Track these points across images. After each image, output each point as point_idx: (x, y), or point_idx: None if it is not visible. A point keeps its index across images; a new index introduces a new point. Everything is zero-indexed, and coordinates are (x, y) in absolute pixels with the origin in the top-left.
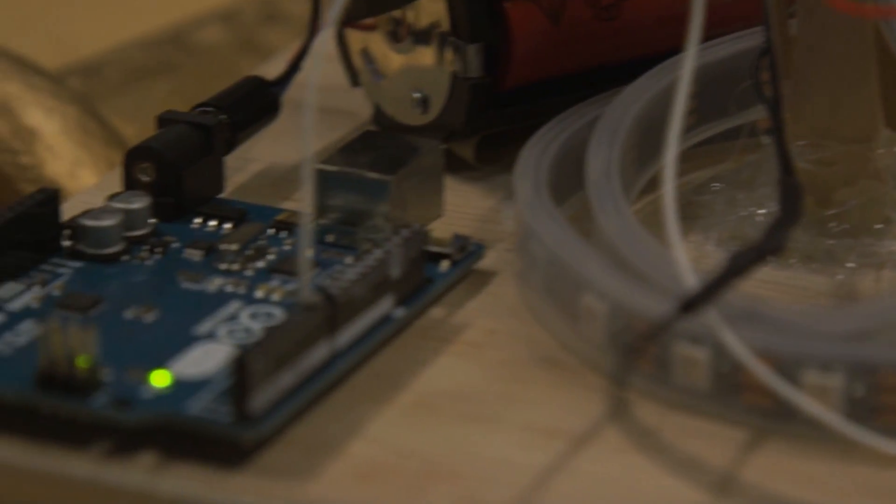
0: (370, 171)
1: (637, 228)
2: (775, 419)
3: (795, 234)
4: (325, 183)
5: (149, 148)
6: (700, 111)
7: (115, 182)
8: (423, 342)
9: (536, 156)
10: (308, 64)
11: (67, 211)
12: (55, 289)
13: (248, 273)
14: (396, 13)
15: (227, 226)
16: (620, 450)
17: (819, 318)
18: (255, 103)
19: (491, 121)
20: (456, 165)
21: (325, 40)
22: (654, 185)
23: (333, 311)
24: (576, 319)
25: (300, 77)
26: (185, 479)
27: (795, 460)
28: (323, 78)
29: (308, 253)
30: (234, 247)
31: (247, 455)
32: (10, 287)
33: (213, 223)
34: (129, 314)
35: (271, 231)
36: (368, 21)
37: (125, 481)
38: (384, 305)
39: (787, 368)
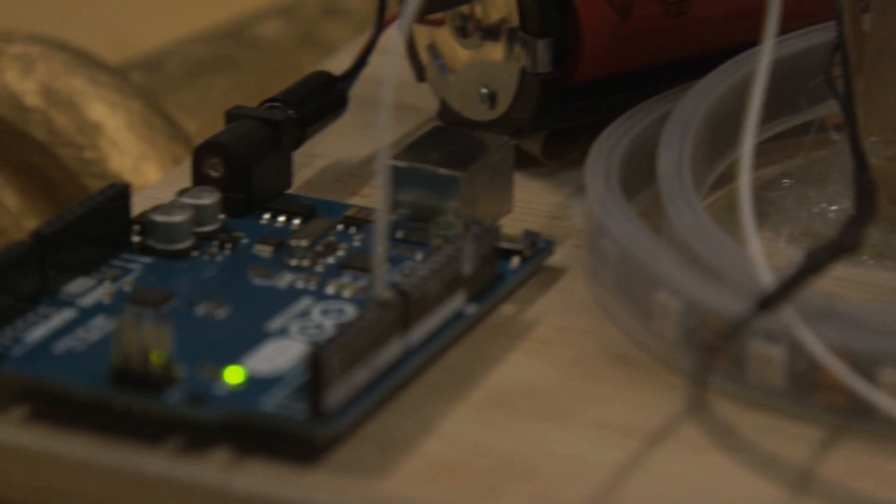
0: (441, 167)
1: (710, 225)
2: (852, 417)
3: (868, 232)
4: (396, 179)
5: (218, 143)
6: (770, 106)
7: (181, 177)
8: (495, 339)
9: (607, 152)
10: (377, 60)
11: (135, 206)
12: (126, 284)
13: (319, 269)
14: (464, 9)
15: (296, 221)
16: (696, 448)
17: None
18: (322, 98)
19: (558, 116)
20: (523, 161)
21: (399, 36)
22: (721, 181)
23: (407, 308)
24: (649, 317)
25: (365, 72)
26: (258, 476)
27: (873, 458)
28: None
29: (382, 249)
30: (304, 243)
31: (320, 452)
32: (81, 282)
33: (281, 219)
34: (200, 310)
35: (340, 227)
36: (436, 16)
37: (199, 478)
38: (456, 302)
39: (864, 366)
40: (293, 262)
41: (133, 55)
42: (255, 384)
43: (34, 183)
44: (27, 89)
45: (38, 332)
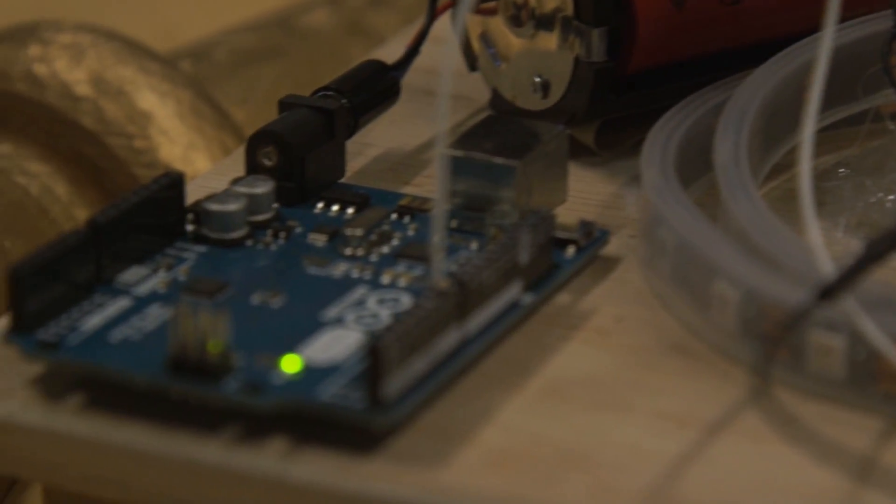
0: (496, 156)
1: (768, 214)
2: None
3: None
4: (452, 168)
5: (272, 132)
6: (827, 95)
7: (232, 166)
8: (551, 328)
9: (663, 141)
10: (428, 49)
11: (188, 195)
12: (180, 273)
13: (374, 258)
14: None
15: (350, 210)
16: (755, 438)
17: None
18: (375, 87)
19: (612, 106)
20: (575, 151)
21: (456, 26)
22: (775, 172)
23: (464, 297)
24: (706, 306)
25: (416, 61)
26: (316, 465)
27: None
28: (439, 62)
29: (440, 238)
30: (359, 232)
31: (378, 441)
32: (136, 271)
33: (335, 208)
34: (255, 299)
35: (395, 216)
36: (488, 5)
37: (256, 467)
38: (513, 291)
39: None
40: (348, 252)
41: (181, 45)
42: (312, 373)
43: (84, 172)
44: (77, 79)
45: (93, 321)
